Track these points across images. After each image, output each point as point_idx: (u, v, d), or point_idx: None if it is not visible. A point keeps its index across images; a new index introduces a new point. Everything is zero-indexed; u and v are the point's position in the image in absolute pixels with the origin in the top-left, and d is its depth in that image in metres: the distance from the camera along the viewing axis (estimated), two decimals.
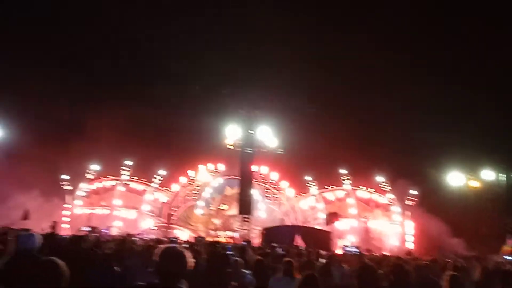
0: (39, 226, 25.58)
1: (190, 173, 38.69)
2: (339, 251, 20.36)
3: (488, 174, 31.57)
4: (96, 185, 37.52)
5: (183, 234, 34.75)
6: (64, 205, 35.12)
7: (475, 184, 31.82)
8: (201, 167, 38.30)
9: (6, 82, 31.41)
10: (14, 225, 21.59)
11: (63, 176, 34.93)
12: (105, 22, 36.77)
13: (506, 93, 32.61)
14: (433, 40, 35.02)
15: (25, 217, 24.81)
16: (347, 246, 10.66)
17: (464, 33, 34.77)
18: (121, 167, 37.12)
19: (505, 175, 31.25)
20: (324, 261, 8.96)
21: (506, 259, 17.54)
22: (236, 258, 7.80)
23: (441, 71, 34.01)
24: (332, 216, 29.36)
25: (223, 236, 33.91)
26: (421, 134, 33.30)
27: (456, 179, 31.91)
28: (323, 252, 15.40)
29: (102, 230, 25.96)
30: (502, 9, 32.95)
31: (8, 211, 26.66)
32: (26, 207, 26.22)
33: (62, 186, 35.08)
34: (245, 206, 30.72)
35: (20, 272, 4.61)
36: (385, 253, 25.74)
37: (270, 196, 38.82)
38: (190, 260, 3.19)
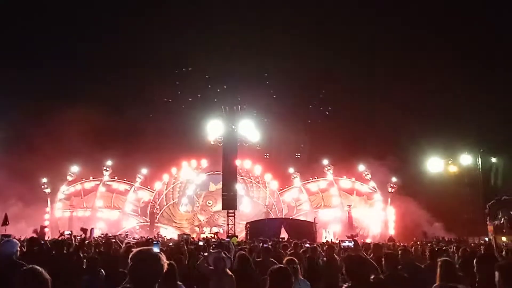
0: (21, 231, 25.18)
1: (173, 170, 38.46)
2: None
3: (466, 159, 32.38)
4: (76, 187, 36.89)
5: (167, 232, 34.64)
6: (46, 209, 34.47)
7: (453, 169, 32.60)
8: (184, 164, 38.09)
9: None
10: None
11: (43, 180, 34.21)
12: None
13: (482, 77, 33.30)
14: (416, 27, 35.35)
15: (4, 222, 24.17)
16: (343, 241, 10.67)
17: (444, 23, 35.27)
18: (103, 168, 36.59)
19: (482, 159, 32.12)
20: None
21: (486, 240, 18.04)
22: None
23: (420, 57, 34.42)
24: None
25: (208, 232, 33.90)
26: (400, 121, 33.75)
27: (435, 164, 32.61)
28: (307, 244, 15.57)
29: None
30: None
31: None
32: (5, 212, 25.57)
33: (42, 190, 34.36)
34: (230, 201, 30.74)
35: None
36: (368, 241, 26.25)
37: (254, 190, 38.94)
38: (165, 262, 3.00)
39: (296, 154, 37.09)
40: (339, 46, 37.00)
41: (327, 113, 36.26)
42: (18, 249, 5.28)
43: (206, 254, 7.62)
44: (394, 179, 33.75)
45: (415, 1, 35.98)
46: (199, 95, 35.62)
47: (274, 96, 35.76)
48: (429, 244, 18.47)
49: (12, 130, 30.79)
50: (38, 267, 3.15)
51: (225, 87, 35.86)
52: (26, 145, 30.82)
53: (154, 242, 7.81)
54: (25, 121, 31.00)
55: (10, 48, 35.32)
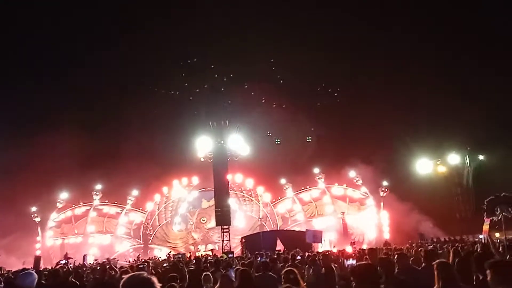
0: (14, 262, 24.65)
1: (164, 189, 38.12)
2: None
3: (454, 158, 32.78)
4: (66, 214, 36.26)
5: (162, 253, 34.18)
6: (37, 238, 33.81)
7: (442, 169, 32.95)
8: (175, 182, 37.79)
9: None
10: None
11: (32, 209, 33.59)
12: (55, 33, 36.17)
13: (467, 76, 33.88)
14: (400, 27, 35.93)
15: None
16: (347, 259, 10.54)
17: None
18: (92, 192, 36.06)
19: (470, 158, 32.55)
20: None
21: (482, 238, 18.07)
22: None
23: (405, 58, 34.99)
24: None
25: (203, 250, 33.56)
26: (386, 123, 34.06)
27: (424, 166, 32.92)
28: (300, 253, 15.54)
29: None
30: None
31: None
32: None
33: (32, 219, 33.70)
34: (223, 217, 30.50)
35: None
36: (364, 247, 26.26)
37: (247, 203, 38.77)
38: (157, 285, 2.91)
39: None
40: (323, 49, 37.40)
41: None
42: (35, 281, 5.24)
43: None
44: (385, 183, 33.93)
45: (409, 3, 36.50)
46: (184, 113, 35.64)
47: (264, 100, 35.94)
48: (418, 245, 18.55)
49: None
50: None
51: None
52: (11, 174, 30.27)
53: (140, 266, 7.69)
54: (8, 149, 30.50)
55: None
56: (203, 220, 37.92)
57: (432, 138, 32.54)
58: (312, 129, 37.59)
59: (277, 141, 36.42)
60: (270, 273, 8.06)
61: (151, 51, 38.35)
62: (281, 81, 37.55)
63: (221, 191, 30.81)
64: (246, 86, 37.63)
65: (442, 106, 33.40)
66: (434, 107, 34.32)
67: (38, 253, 30.86)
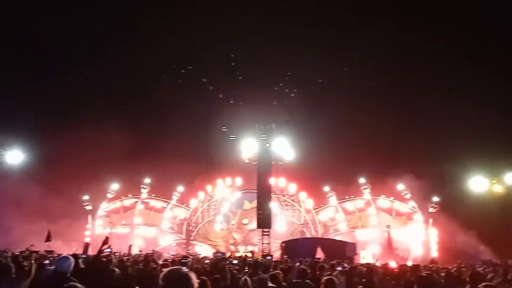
0: (63, 247, 26.14)
1: (208, 188, 38.85)
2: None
3: None
4: (116, 204, 37.95)
5: (203, 250, 34.81)
6: (87, 226, 35.62)
7: (499, 188, 30.95)
8: (219, 181, 38.40)
9: (21, 106, 32.05)
10: (38, 247, 22.06)
11: (84, 197, 35.46)
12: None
13: None
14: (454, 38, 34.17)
15: (48, 238, 25.09)
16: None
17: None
18: (141, 186, 37.54)
19: None
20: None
21: None
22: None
23: (461, 65, 33.32)
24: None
25: (243, 251, 33.76)
26: (441, 139, 32.63)
27: (479, 184, 31.10)
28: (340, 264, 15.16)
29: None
30: None
31: (32, 234, 27.03)
32: (49, 228, 26.57)
33: (83, 207, 35.57)
34: (264, 220, 30.60)
35: None
36: (409, 263, 25.24)
37: (289, 208, 38.58)
38: (195, 281, 3.03)
39: None
40: (374, 58, 36.58)
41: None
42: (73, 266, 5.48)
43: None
44: (435, 199, 32.49)
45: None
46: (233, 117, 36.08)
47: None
48: (468, 266, 17.57)
49: (55, 148, 32.00)
50: (78, 285, 3.25)
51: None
52: (67, 163, 31.97)
53: (182, 261, 7.86)
54: (68, 139, 32.25)
55: (49, 66, 36.85)
56: (245, 222, 38.21)
57: (488, 155, 30.65)
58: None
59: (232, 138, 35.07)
60: (307, 281, 7.97)
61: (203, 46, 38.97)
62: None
63: (263, 194, 30.93)
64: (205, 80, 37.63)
65: (501, 122, 31.45)
66: (492, 123, 32.35)
67: (87, 240, 32.51)
